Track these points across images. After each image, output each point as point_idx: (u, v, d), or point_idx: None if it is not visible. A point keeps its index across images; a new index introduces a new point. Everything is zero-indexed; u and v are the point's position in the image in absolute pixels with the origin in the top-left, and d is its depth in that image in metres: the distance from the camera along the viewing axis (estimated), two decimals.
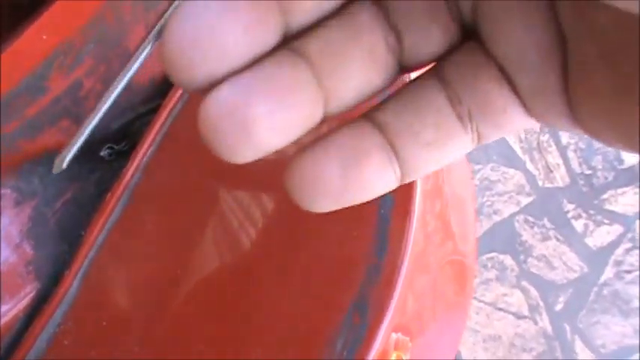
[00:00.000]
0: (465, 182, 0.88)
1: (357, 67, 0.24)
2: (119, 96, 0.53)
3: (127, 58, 0.53)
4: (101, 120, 0.54)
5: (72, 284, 0.54)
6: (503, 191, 1.94)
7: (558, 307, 1.87)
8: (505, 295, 1.88)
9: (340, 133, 0.24)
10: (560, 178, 1.93)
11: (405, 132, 0.24)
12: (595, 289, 1.87)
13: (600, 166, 1.93)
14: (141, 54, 0.32)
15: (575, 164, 1.93)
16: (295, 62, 0.22)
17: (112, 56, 0.52)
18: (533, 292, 1.88)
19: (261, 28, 0.21)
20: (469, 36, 0.25)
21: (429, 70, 0.25)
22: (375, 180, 0.24)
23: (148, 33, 0.34)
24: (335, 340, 0.48)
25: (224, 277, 0.53)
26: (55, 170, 0.35)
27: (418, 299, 0.60)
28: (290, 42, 0.23)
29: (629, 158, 1.92)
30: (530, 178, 1.94)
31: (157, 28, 0.29)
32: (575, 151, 1.94)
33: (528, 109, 0.24)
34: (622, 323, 1.84)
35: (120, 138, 0.56)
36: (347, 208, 0.49)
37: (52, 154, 0.55)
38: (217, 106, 0.21)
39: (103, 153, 0.57)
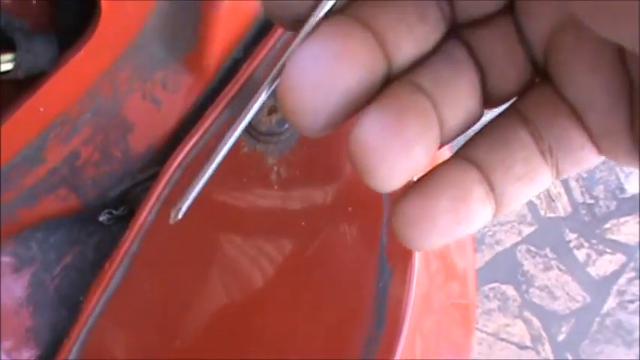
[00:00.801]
0: None
1: (464, 96, 0.26)
2: (117, 163, 0.53)
3: (124, 127, 0.53)
4: (99, 187, 0.54)
5: (71, 351, 0.54)
6: (504, 221, 1.93)
7: (561, 337, 1.86)
8: (507, 325, 1.87)
9: (441, 172, 0.26)
10: (562, 207, 1.93)
11: (498, 167, 0.26)
12: (597, 319, 1.86)
13: (602, 196, 1.92)
14: (256, 102, 0.34)
15: (577, 193, 1.93)
16: (415, 93, 0.24)
17: (109, 126, 0.52)
18: (536, 322, 1.87)
19: (373, 69, 0.24)
20: (542, 76, 0.26)
21: (509, 107, 0.27)
22: (479, 213, 0.25)
23: (262, 82, 0.36)
24: None
25: (221, 340, 0.53)
26: (172, 221, 0.37)
27: (425, 340, 0.60)
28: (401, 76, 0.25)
29: (631, 187, 1.91)
30: (532, 207, 1.93)
31: (272, 76, 0.30)
32: (577, 180, 1.93)
33: (598, 147, 0.25)
34: (625, 353, 1.83)
35: (118, 204, 0.56)
36: (345, 280, 0.49)
37: (50, 220, 0.55)
38: (375, 133, 0.23)
39: (102, 218, 0.57)
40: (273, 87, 0.32)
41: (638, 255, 1.89)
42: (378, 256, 0.49)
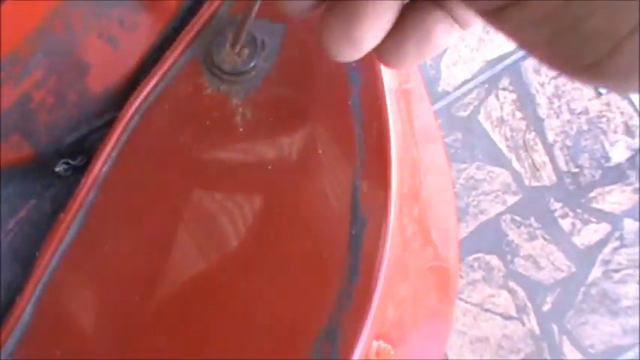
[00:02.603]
0: (443, 185, 0.85)
1: None
2: (72, 107, 0.49)
3: (79, 68, 0.50)
4: (53, 134, 0.50)
5: (25, 309, 0.50)
6: (489, 190, 1.91)
7: (546, 307, 1.85)
8: (492, 296, 1.86)
9: (409, 18, 0.31)
10: (547, 176, 1.91)
11: (459, 6, 0.31)
12: (583, 288, 1.85)
13: (587, 164, 1.91)
14: None
15: (561, 162, 1.91)
16: None
17: (62, 67, 0.49)
18: (521, 292, 1.86)
19: None
20: None
21: None
22: (443, 41, 0.32)
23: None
24: None
25: (189, 294, 0.50)
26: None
27: (399, 307, 0.57)
28: None
29: (616, 156, 1.90)
30: (517, 176, 1.91)
31: None
32: (561, 149, 1.91)
33: None
34: (610, 323, 1.82)
35: (75, 152, 0.53)
36: (317, 227, 0.46)
37: (2, 172, 0.52)
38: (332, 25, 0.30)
39: (59, 168, 0.53)
40: None
41: (622, 224, 1.88)
42: (350, 202, 0.46)
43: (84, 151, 0.53)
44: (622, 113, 1.90)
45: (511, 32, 0.25)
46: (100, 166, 0.50)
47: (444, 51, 1.99)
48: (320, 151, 0.47)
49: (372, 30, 0.29)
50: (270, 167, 0.48)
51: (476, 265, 1.87)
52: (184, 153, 0.50)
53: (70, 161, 0.53)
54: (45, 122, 0.50)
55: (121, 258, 0.51)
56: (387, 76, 0.50)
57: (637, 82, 0.23)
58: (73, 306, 0.50)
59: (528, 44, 0.25)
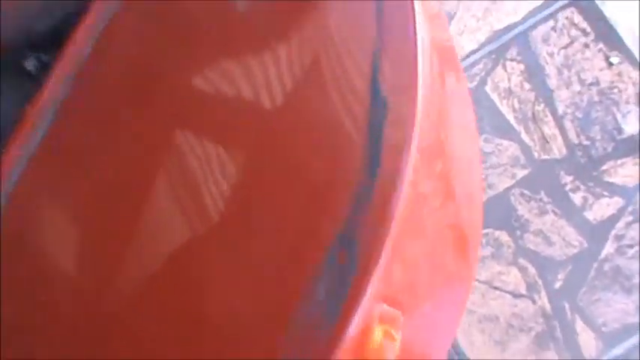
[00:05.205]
0: (471, 148, 0.79)
1: None
2: None
3: None
4: (21, 18, 0.43)
5: None
6: (497, 164, 1.86)
7: (557, 284, 1.80)
8: (501, 273, 1.81)
9: None
10: (557, 149, 1.86)
11: None
12: (595, 265, 1.80)
13: (599, 137, 1.85)
14: None
15: (572, 135, 1.86)
16: None
17: None
18: (531, 269, 1.81)
19: None
20: None
21: None
22: None
23: None
24: (315, 284, 0.38)
25: (181, 216, 0.43)
26: None
27: (410, 269, 0.50)
28: None
29: (629, 128, 1.84)
30: (526, 149, 1.86)
31: None
32: (572, 121, 1.86)
33: None
34: (624, 300, 1.77)
35: (47, 44, 0.46)
36: (331, 118, 0.39)
37: None
38: None
39: (29, 66, 0.46)
40: None
41: (636, 198, 1.82)
42: (370, 80, 0.39)
43: (57, 43, 0.46)
44: (634, 84, 1.85)
45: None
46: (71, 56, 0.43)
47: (450, 21, 1.94)
48: (334, 29, 0.40)
49: None
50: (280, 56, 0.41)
51: (484, 241, 1.82)
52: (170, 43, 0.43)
53: (41, 57, 0.46)
54: (11, 3, 0.43)
55: (94, 175, 0.44)
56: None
57: None
58: (40, 217, 0.43)
59: None
